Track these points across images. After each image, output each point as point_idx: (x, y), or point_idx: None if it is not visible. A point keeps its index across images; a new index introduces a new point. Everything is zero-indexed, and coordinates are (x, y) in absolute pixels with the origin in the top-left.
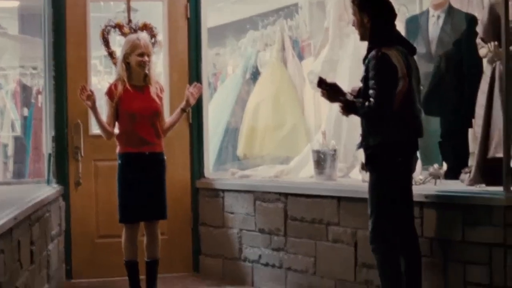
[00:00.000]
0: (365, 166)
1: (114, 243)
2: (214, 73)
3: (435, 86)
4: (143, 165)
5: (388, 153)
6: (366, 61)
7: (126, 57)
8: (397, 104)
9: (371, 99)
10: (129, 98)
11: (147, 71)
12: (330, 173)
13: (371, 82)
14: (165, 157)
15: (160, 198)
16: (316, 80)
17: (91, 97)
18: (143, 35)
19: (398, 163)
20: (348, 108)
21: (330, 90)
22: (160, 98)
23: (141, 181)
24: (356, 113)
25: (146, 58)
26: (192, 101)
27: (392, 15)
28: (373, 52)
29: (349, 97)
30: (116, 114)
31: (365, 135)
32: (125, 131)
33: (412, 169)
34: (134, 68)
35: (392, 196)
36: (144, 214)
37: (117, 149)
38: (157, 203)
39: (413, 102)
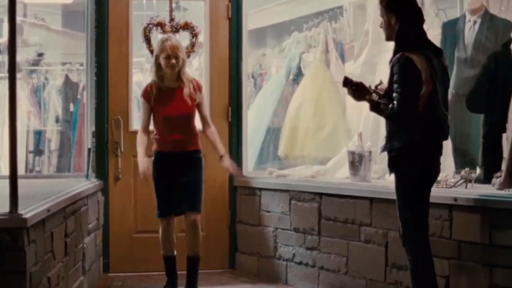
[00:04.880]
0: (388, 168)
1: (151, 238)
2: (260, 73)
3: (470, 91)
4: (175, 163)
5: (411, 155)
6: (391, 64)
7: (157, 59)
8: (420, 107)
9: (395, 102)
10: (162, 100)
11: (181, 74)
12: (364, 174)
13: (395, 86)
14: (201, 155)
15: (193, 192)
16: (341, 80)
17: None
18: (172, 37)
19: (420, 166)
20: (373, 108)
21: (356, 89)
22: (194, 100)
23: (174, 178)
24: (380, 114)
25: (173, 60)
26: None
27: (420, 17)
28: (397, 56)
29: (374, 97)
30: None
31: (389, 137)
32: (159, 132)
33: (435, 171)
34: (165, 70)
35: (417, 197)
36: (177, 208)
37: (153, 147)
38: (190, 197)
39: (437, 105)
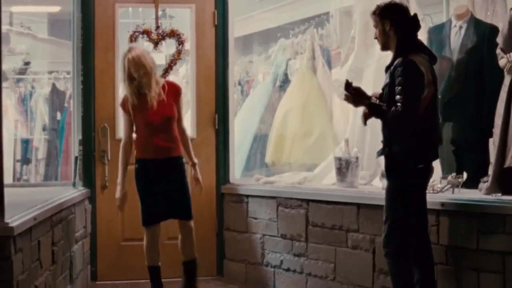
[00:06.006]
0: (386, 173)
1: (139, 246)
2: (247, 80)
3: (456, 96)
4: (158, 170)
5: (410, 160)
6: (392, 68)
7: (124, 73)
8: (422, 110)
9: (399, 104)
10: (142, 106)
11: (151, 83)
12: (351, 180)
13: (398, 88)
14: (183, 160)
15: (183, 200)
16: (343, 84)
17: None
18: (134, 50)
19: (418, 169)
20: (374, 111)
21: (356, 94)
22: (171, 103)
23: (158, 185)
24: (382, 117)
25: (138, 75)
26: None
27: (415, 23)
28: (399, 59)
29: (374, 100)
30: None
31: (387, 142)
32: (140, 139)
33: (429, 176)
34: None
35: (410, 203)
36: (163, 215)
37: (135, 154)
38: (181, 204)
39: (436, 109)
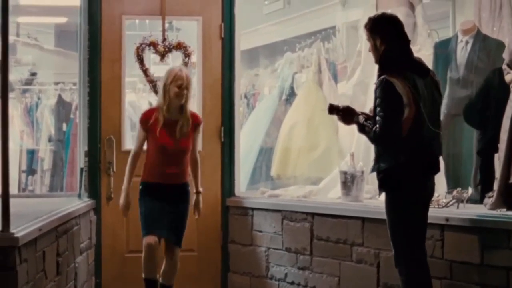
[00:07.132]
0: (378, 189)
1: None
2: (253, 93)
3: (462, 111)
4: (163, 193)
5: (397, 177)
6: (374, 86)
7: (165, 87)
8: (406, 130)
9: (377, 126)
10: (162, 129)
11: (183, 103)
12: (356, 194)
13: (378, 110)
14: (189, 188)
15: (179, 226)
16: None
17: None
18: (184, 69)
19: (408, 187)
20: (359, 130)
21: (344, 114)
22: (191, 135)
23: (161, 205)
24: (366, 136)
25: (184, 91)
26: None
27: (404, 38)
28: (379, 79)
29: (361, 119)
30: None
31: (377, 158)
32: (150, 162)
33: (426, 192)
34: (171, 99)
35: (406, 218)
36: (163, 231)
37: (141, 176)
38: (177, 230)
39: (422, 127)
